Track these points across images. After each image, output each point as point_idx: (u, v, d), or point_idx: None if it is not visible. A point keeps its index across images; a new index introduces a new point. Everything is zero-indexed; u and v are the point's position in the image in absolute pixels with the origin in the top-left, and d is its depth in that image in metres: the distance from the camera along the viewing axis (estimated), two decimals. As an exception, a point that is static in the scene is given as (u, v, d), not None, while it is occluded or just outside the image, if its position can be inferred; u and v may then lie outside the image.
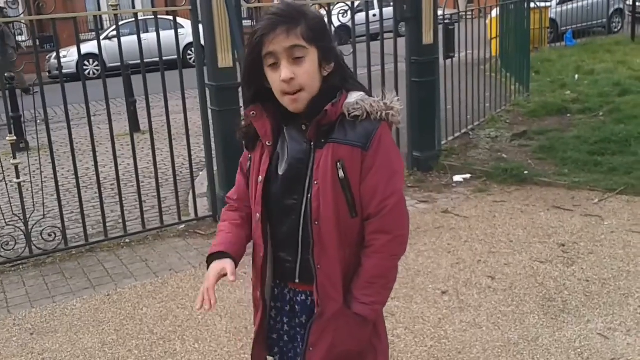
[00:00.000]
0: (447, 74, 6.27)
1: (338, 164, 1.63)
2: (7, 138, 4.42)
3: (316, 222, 1.66)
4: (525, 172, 5.53)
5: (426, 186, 5.57)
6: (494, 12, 8.72)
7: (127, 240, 4.72)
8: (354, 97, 1.66)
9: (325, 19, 5.13)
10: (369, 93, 1.71)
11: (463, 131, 6.82)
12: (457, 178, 5.70)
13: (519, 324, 3.22)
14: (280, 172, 1.71)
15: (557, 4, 15.13)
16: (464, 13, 7.27)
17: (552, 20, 14.61)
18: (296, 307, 1.79)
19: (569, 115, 7.45)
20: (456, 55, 6.53)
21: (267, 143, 1.71)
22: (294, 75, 1.60)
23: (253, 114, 1.70)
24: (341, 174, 1.63)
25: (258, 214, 1.76)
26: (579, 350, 2.96)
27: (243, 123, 1.78)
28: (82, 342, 3.32)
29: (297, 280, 1.76)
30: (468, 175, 5.73)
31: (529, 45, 9.17)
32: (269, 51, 1.61)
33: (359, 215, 1.68)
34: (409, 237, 1.74)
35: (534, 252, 4.06)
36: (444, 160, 6.01)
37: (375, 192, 1.65)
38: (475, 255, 4.09)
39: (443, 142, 6.31)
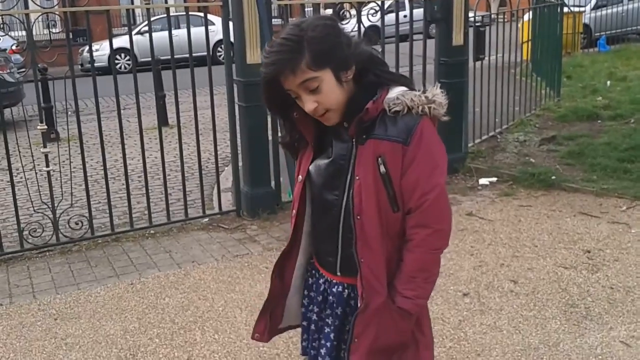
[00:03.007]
0: (476, 76, 6.23)
1: (379, 159, 1.64)
2: (38, 127, 4.50)
3: (358, 217, 1.67)
4: (553, 177, 5.47)
5: (451, 188, 5.53)
6: (527, 16, 8.63)
7: (152, 232, 4.78)
8: (395, 92, 1.66)
9: (354, 20, 5.15)
10: (411, 84, 1.71)
11: (491, 134, 6.76)
12: (483, 181, 5.66)
13: (540, 329, 3.18)
14: (322, 168, 1.74)
15: (592, 10, 14.91)
16: (495, 16, 7.20)
17: (586, 26, 14.41)
18: (330, 297, 1.83)
19: (599, 121, 7.34)
20: (486, 57, 6.49)
21: (310, 143, 1.76)
22: (317, 104, 1.63)
23: (296, 115, 1.72)
24: (382, 169, 1.64)
25: (294, 210, 1.82)
26: (600, 357, 2.92)
27: (283, 134, 1.84)
28: (104, 328, 3.37)
29: (338, 273, 1.80)
30: (494, 179, 5.68)
31: (561, 49, 9.06)
32: (287, 89, 1.63)
33: (401, 210, 1.69)
34: (450, 233, 1.72)
35: (559, 258, 4.01)
36: (471, 162, 5.97)
37: (416, 186, 1.65)
38: (498, 258, 4.06)
39: (470, 145, 6.27)
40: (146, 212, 4.90)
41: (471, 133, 6.31)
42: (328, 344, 1.82)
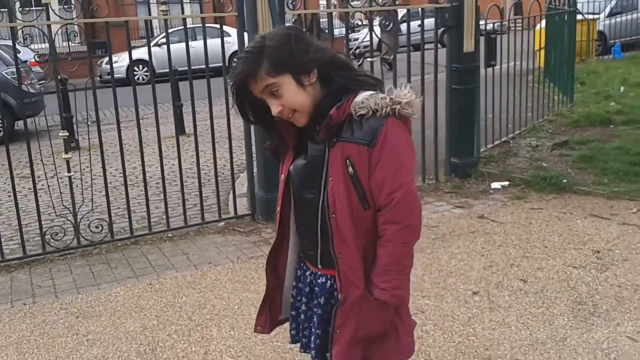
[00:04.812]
0: (489, 83, 6.30)
1: (347, 161, 1.74)
2: (60, 134, 4.66)
3: (333, 215, 1.78)
4: (564, 181, 5.51)
5: (463, 192, 5.60)
6: (541, 24, 8.68)
7: (170, 235, 4.91)
8: (361, 96, 1.75)
9: (365, 29, 5.27)
10: (380, 86, 1.79)
11: (503, 139, 6.82)
12: (495, 185, 5.72)
13: (548, 325, 3.25)
14: (299, 168, 1.86)
15: (606, 17, 14.91)
16: (507, 23, 7.27)
17: (601, 33, 14.40)
18: (315, 288, 1.95)
19: (612, 126, 7.37)
20: (498, 64, 6.55)
21: (291, 144, 1.88)
22: (282, 107, 1.75)
23: (277, 118, 1.83)
24: (350, 170, 1.74)
25: (278, 208, 1.95)
26: (606, 351, 2.97)
27: (267, 143, 1.96)
28: (124, 325, 3.49)
29: (319, 266, 1.92)
30: (506, 183, 5.73)
31: (574, 56, 9.10)
32: (256, 95, 1.77)
33: (372, 208, 1.78)
34: (420, 225, 1.81)
35: (568, 258, 4.06)
36: (483, 167, 6.03)
37: (383, 185, 1.74)
38: (508, 259, 4.12)
39: (482, 150, 6.33)
40: (164, 216, 5.03)
41: (484, 138, 6.38)
42: (317, 332, 1.94)
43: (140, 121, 5.02)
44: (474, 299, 3.59)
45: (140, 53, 13.45)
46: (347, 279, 1.80)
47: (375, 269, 1.80)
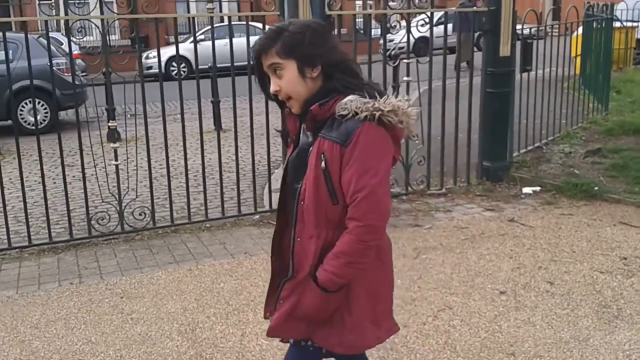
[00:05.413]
0: (524, 88, 6.37)
1: (322, 155, 1.85)
2: (109, 124, 4.91)
3: (302, 202, 1.92)
4: (596, 188, 5.57)
5: (494, 196, 5.69)
6: (578, 30, 8.68)
7: (208, 225, 5.12)
8: (348, 98, 1.86)
9: (402, 31, 5.37)
10: (374, 96, 1.87)
11: (536, 145, 6.88)
12: (527, 190, 5.79)
13: (572, 325, 3.35)
14: (292, 159, 2.01)
15: (646, 25, 14.70)
16: (544, 28, 7.30)
17: (639, 41, 14.22)
18: None
19: (646, 135, 7.36)
20: (534, 70, 6.61)
21: (292, 136, 2.03)
22: (279, 87, 1.91)
23: (287, 111, 1.99)
24: (323, 165, 1.86)
25: (279, 195, 2.09)
26: (628, 352, 3.07)
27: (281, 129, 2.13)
28: (165, 307, 3.70)
29: None
30: (538, 188, 5.80)
31: (611, 64, 9.07)
32: (264, 69, 1.94)
33: (340, 203, 1.87)
34: (382, 230, 1.88)
35: (595, 263, 4.14)
36: (515, 172, 6.10)
37: (350, 184, 1.83)
38: (536, 262, 4.22)
39: (515, 155, 6.40)
40: (202, 207, 5.24)
41: (517, 143, 6.45)
42: None
43: (177, 116, 5.21)
44: (501, 298, 3.71)
45: (179, 49, 13.69)
46: (299, 261, 1.94)
47: (329, 253, 1.89)
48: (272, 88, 1.92)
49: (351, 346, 2.00)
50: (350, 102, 1.83)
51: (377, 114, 1.81)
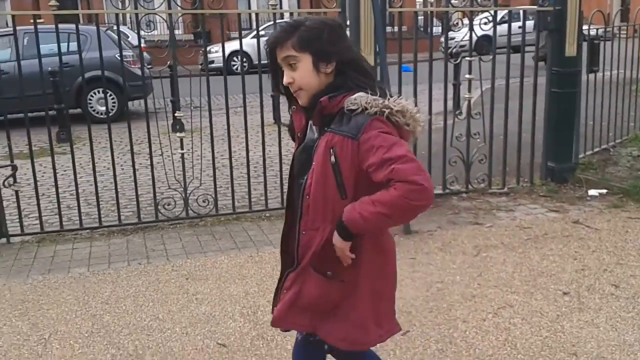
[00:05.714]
0: (590, 89, 6.21)
1: (331, 150, 1.85)
2: (176, 114, 5.07)
3: (307, 197, 1.92)
4: (665, 193, 5.39)
5: (559, 197, 5.58)
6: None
7: (268, 214, 5.23)
8: (357, 94, 1.86)
9: (465, 28, 5.31)
10: (385, 95, 1.88)
11: (603, 147, 6.70)
12: (593, 192, 5.65)
13: (637, 329, 3.26)
14: (297, 155, 2.02)
15: None
16: (612, 29, 7.09)
17: None
18: None
19: None
20: (601, 72, 6.44)
21: (298, 134, 2.04)
22: (292, 79, 1.92)
23: (294, 108, 2.02)
24: (332, 159, 1.86)
25: (286, 190, 2.13)
26: (698, 358, 2.98)
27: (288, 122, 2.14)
28: (228, 289, 3.81)
29: None
30: (604, 191, 5.66)
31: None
32: (278, 62, 1.96)
33: (348, 197, 1.87)
34: (431, 194, 1.75)
35: (664, 268, 4.02)
36: (581, 173, 5.96)
37: (382, 162, 1.77)
38: (601, 264, 4.12)
39: (581, 156, 6.25)
40: (262, 197, 5.35)
41: (583, 145, 6.30)
42: None
43: (240, 109, 5.32)
44: (564, 298, 3.65)
45: (238, 45, 13.92)
46: (303, 253, 1.96)
47: (364, 197, 1.82)
48: (286, 80, 1.93)
49: (355, 342, 2.01)
50: (360, 97, 1.85)
51: (386, 111, 1.83)
